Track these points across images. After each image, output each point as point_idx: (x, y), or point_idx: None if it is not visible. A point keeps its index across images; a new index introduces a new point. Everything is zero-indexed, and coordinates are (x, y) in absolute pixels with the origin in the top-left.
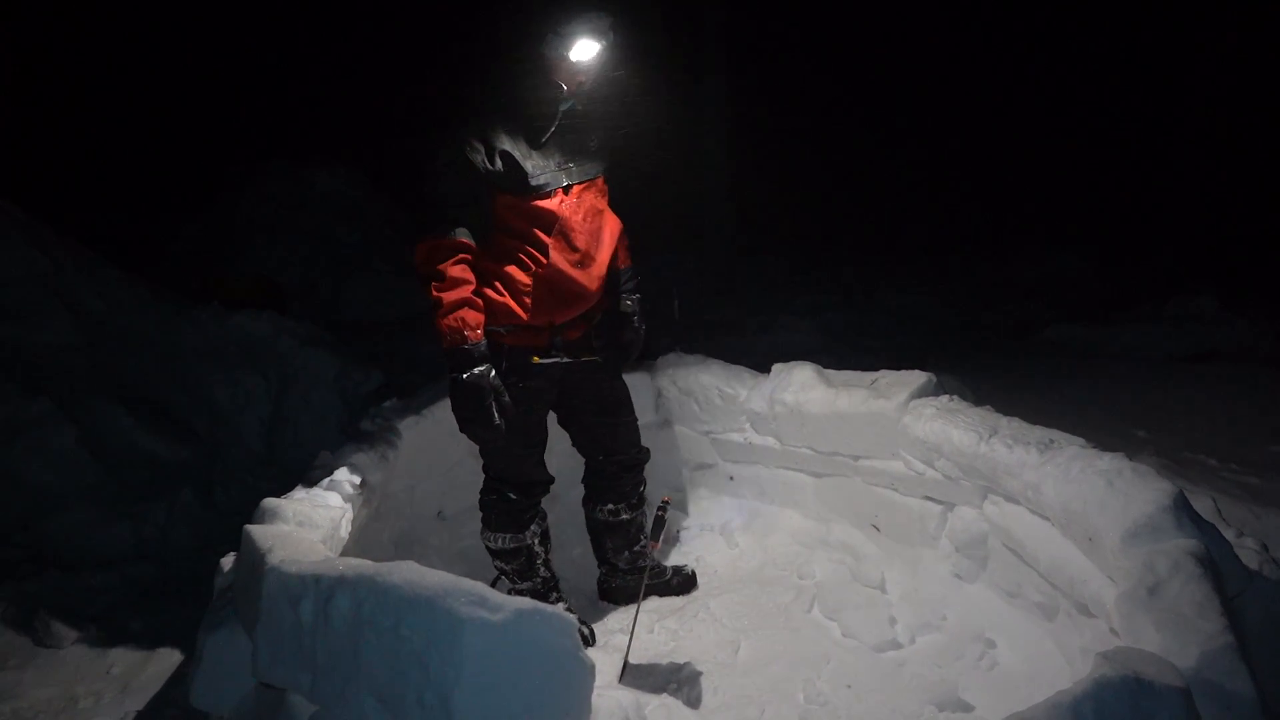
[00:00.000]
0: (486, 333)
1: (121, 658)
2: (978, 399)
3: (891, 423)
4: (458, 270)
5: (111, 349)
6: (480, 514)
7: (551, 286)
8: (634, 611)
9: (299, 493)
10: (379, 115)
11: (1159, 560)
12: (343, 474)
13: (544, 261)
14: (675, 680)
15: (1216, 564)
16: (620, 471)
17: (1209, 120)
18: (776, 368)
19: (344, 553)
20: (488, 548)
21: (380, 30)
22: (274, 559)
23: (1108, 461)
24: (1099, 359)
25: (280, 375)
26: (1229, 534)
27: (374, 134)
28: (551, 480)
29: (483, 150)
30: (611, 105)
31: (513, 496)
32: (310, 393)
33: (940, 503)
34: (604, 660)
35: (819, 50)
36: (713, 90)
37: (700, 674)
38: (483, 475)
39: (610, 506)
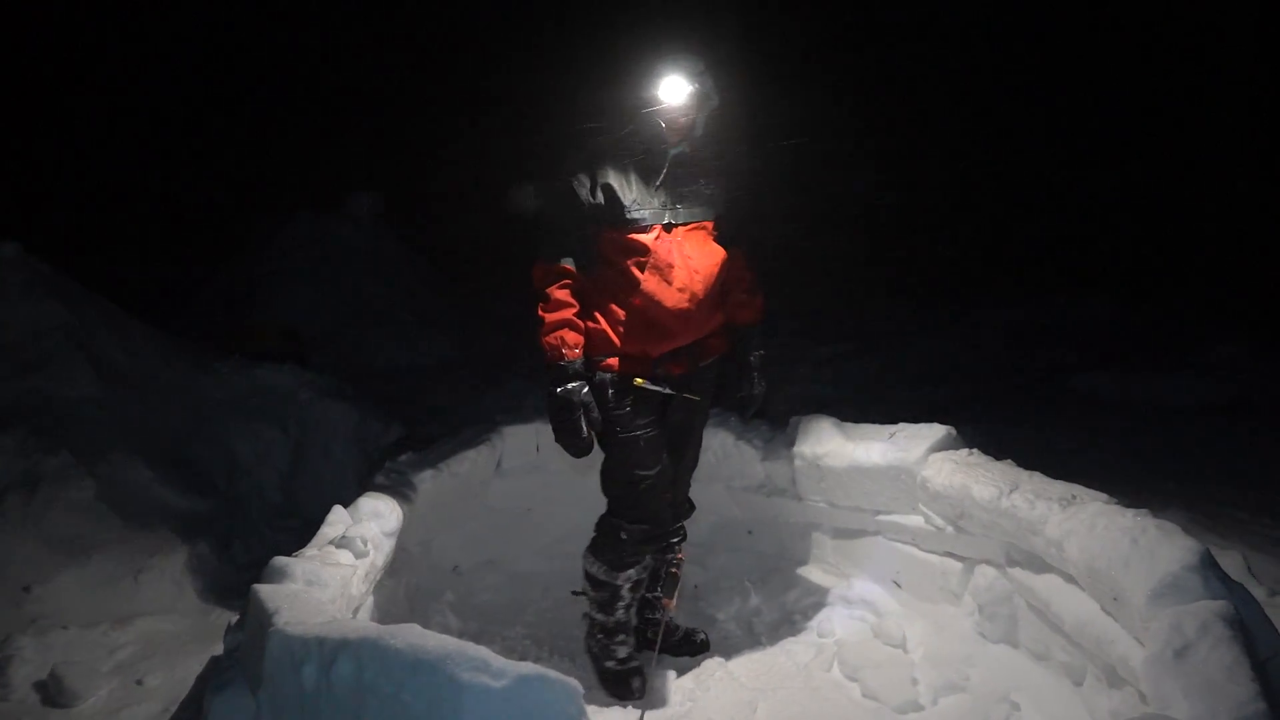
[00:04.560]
0: (589, 359)
1: (135, 716)
2: (1000, 451)
3: (911, 477)
4: (561, 294)
5: (133, 401)
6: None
7: (644, 318)
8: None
9: (310, 550)
10: (406, 166)
11: (1186, 622)
12: (356, 530)
13: (638, 293)
14: None
15: (1246, 625)
16: None
17: (1239, 165)
18: (793, 420)
19: (358, 610)
20: (584, 565)
21: (410, 83)
22: (279, 620)
23: (1131, 518)
24: (1126, 408)
25: (300, 427)
26: (1260, 592)
27: (401, 185)
28: (672, 528)
29: (588, 183)
30: (720, 157)
31: (623, 536)
32: (330, 445)
33: (962, 559)
34: None
35: (841, 90)
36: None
37: None
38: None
39: None
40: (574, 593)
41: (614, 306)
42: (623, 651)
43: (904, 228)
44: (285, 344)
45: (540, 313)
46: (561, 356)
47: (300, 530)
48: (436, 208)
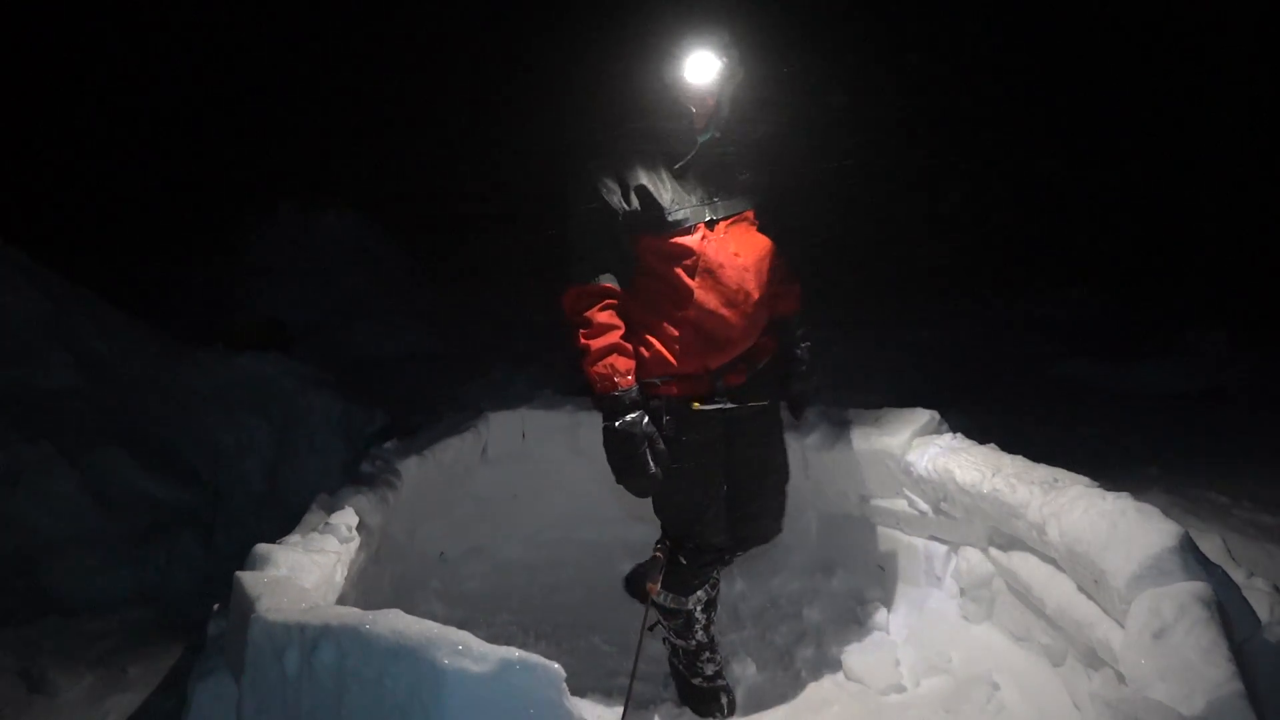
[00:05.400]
0: (642, 384)
1: (118, 705)
2: (984, 436)
3: (895, 461)
4: (605, 316)
5: (114, 392)
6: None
7: (700, 330)
8: (633, 657)
9: (293, 537)
10: (387, 157)
11: (1164, 604)
12: (339, 517)
13: (689, 304)
14: None
15: (1224, 607)
16: (758, 526)
17: (1221, 155)
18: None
19: (341, 597)
20: (651, 599)
21: (390, 75)
22: (260, 607)
23: (1112, 502)
24: (1109, 395)
25: (284, 417)
26: (1239, 575)
27: (382, 176)
28: (727, 548)
29: (618, 190)
30: (755, 134)
31: (683, 561)
32: (314, 434)
33: (945, 543)
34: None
35: (819, 81)
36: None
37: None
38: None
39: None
40: (649, 628)
41: (665, 323)
42: (710, 669)
43: (889, 219)
44: (269, 336)
45: (583, 340)
46: (615, 386)
47: (284, 519)
48: (422, 198)
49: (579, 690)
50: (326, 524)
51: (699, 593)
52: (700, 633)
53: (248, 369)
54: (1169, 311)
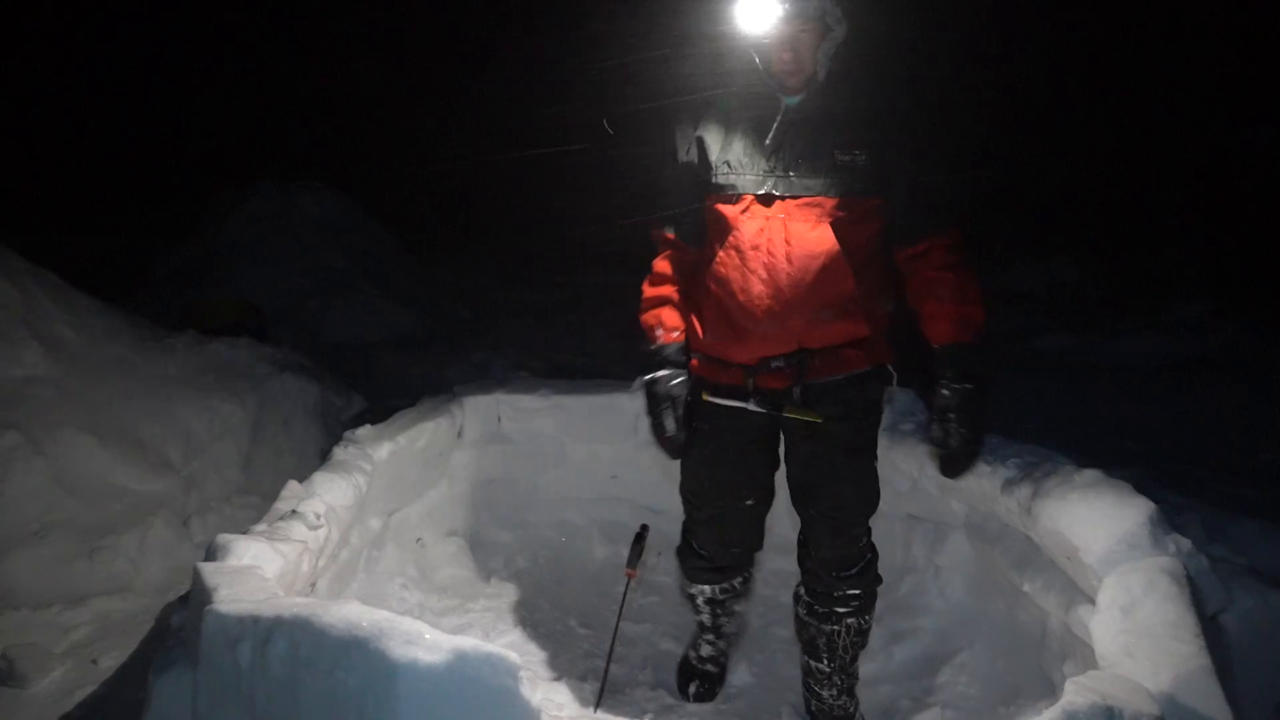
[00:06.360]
0: (687, 350)
1: (87, 697)
2: None
3: None
4: (663, 266)
5: (84, 379)
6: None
7: (720, 309)
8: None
9: (259, 526)
10: (364, 137)
11: (1133, 579)
12: (308, 505)
13: (712, 278)
14: (653, 708)
15: (1194, 581)
16: (813, 566)
17: (1203, 125)
18: None
19: (313, 586)
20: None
21: (366, 53)
22: (216, 599)
23: (1083, 477)
24: (1090, 368)
25: (258, 402)
26: (1214, 549)
27: (360, 155)
28: (744, 563)
29: (687, 136)
30: (847, 109)
31: (694, 546)
32: (290, 420)
33: (924, 520)
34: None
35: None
36: None
37: (678, 700)
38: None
39: (800, 591)
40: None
41: (699, 292)
42: (705, 650)
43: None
44: (243, 318)
45: (644, 285)
46: (655, 338)
47: (259, 506)
48: (402, 177)
49: (555, 674)
50: (294, 512)
51: (704, 587)
52: (706, 616)
53: (220, 355)
54: (1151, 282)
